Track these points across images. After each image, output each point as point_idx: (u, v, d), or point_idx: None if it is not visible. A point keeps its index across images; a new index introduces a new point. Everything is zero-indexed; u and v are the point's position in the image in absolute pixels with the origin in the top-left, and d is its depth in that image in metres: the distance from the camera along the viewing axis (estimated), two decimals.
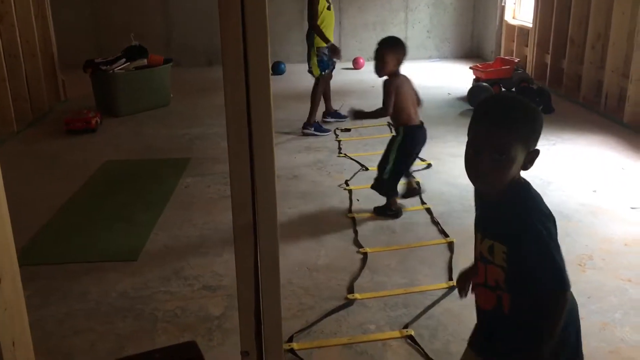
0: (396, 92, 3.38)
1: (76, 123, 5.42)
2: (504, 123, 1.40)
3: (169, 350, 1.17)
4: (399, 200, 3.62)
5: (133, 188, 4.14)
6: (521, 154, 1.41)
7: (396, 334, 2.42)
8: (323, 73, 5.37)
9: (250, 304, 1.43)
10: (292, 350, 2.31)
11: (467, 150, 1.44)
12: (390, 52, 3.41)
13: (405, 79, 3.47)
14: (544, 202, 1.45)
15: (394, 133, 3.64)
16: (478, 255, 1.55)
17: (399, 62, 3.43)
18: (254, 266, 1.41)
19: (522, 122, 1.42)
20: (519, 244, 1.40)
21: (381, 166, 3.50)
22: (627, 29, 5.44)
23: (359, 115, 3.64)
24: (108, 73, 5.94)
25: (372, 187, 3.56)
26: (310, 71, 5.42)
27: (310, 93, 5.44)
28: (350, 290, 2.75)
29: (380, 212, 3.53)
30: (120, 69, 6.03)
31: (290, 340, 2.37)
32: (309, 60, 5.37)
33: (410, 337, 2.38)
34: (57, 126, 5.56)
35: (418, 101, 3.52)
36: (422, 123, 3.51)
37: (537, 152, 1.46)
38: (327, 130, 5.38)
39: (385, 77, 3.44)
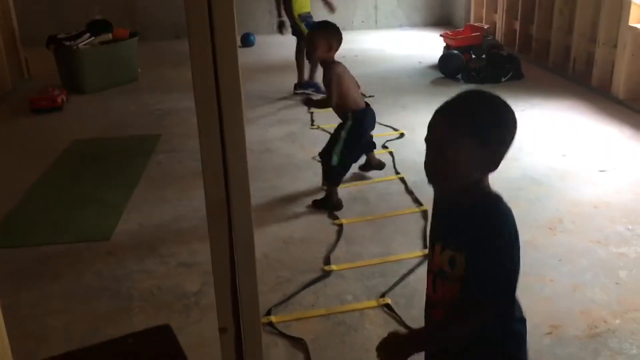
0: (338, 80, 3.29)
1: (41, 102, 5.28)
2: (453, 115, 1.31)
3: (142, 335, 1.16)
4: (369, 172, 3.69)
5: (103, 167, 4.07)
6: (474, 153, 1.28)
7: (373, 303, 2.44)
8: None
9: (226, 280, 1.42)
10: (270, 324, 2.32)
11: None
12: (319, 36, 3.36)
13: (342, 66, 3.40)
14: (513, 220, 1.36)
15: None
16: (435, 271, 1.39)
17: (331, 48, 3.34)
18: (228, 242, 1.40)
19: (478, 117, 1.29)
20: (478, 252, 1.29)
21: (326, 154, 3.34)
22: None
23: (309, 102, 3.82)
24: (72, 49, 5.78)
25: (323, 178, 3.44)
26: (296, 33, 5.55)
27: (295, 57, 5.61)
28: (327, 261, 2.76)
29: (319, 205, 3.31)
30: (84, 45, 5.86)
31: (269, 313, 2.38)
32: (295, 27, 5.50)
33: (387, 306, 2.41)
34: (21, 105, 5.41)
35: (358, 85, 3.50)
36: (368, 105, 3.48)
37: (500, 153, 1.31)
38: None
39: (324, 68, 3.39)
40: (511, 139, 1.32)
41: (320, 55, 3.38)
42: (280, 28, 5.65)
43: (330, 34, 3.36)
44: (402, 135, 4.41)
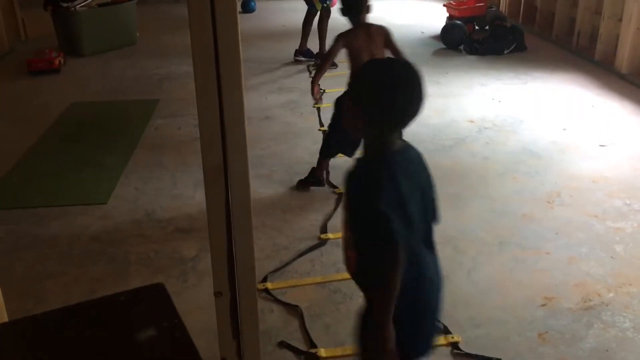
0: (349, 47, 3.02)
1: (39, 64, 5.22)
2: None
3: (134, 293, 1.16)
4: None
5: (101, 130, 4.05)
6: (350, 110, 1.38)
7: None
8: (325, 5, 5.38)
9: (223, 245, 1.42)
10: (266, 290, 2.33)
11: None
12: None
13: (363, 32, 3.03)
14: (379, 183, 1.34)
15: None
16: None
17: (346, 10, 3.08)
18: (225, 207, 1.40)
19: (355, 79, 1.44)
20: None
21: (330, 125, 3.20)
22: None
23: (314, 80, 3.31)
24: (70, 11, 5.69)
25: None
26: (310, 3, 5.46)
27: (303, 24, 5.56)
28: (324, 230, 2.76)
29: (302, 185, 3.19)
30: (82, 7, 5.77)
31: (265, 280, 2.39)
32: None
33: None
34: (18, 67, 5.35)
35: (395, 52, 3.10)
36: None
37: (375, 114, 1.34)
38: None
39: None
40: (394, 101, 1.33)
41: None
42: None
43: None
44: None
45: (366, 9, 3.09)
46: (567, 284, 2.37)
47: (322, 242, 2.67)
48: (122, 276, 2.44)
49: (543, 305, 2.25)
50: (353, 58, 3.05)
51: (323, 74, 3.19)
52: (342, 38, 3.05)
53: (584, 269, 2.47)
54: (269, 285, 2.36)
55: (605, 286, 2.35)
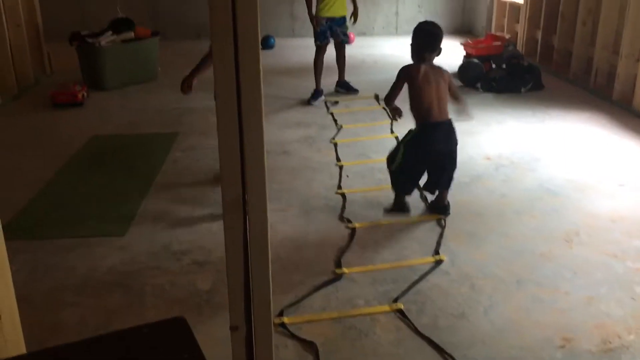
0: (410, 83, 3.08)
1: (62, 96, 5.34)
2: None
3: (157, 326, 1.16)
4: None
5: (121, 163, 4.11)
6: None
7: (385, 308, 2.43)
8: (318, 43, 5.48)
9: (240, 279, 1.43)
10: (282, 325, 2.32)
11: None
12: (412, 41, 3.14)
13: (429, 70, 3.08)
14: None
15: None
16: None
17: (419, 51, 3.09)
18: (243, 241, 1.41)
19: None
20: None
21: (390, 158, 3.25)
22: (618, 3, 5.42)
23: (387, 103, 3.30)
24: (95, 46, 5.85)
25: (391, 183, 3.31)
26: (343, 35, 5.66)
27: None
28: (338, 265, 2.76)
29: (388, 211, 3.28)
30: (107, 42, 5.93)
31: (281, 314, 2.38)
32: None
33: (400, 311, 2.40)
34: (43, 99, 5.48)
35: (454, 96, 3.18)
36: (446, 121, 3.11)
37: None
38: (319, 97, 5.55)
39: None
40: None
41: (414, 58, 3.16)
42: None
43: (417, 37, 3.13)
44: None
45: (439, 51, 3.11)
46: (586, 325, 2.33)
47: (337, 277, 2.66)
48: (138, 308, 2.45)
49: (562, 346, 2.21)
50: (418, 97, 3.06)
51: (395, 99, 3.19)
52: (407, 73, 3.09)
53: (603, 309, 2.43)
54: (285, 319, 2.35)
55: (625, 328, 2.31)
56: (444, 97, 3.08)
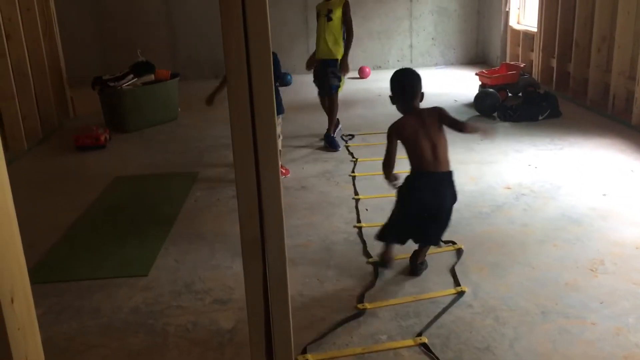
0: (401, 139, 2.88)
1: (85, 140, 5.46)
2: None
3: None
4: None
5: (143, 203, 4.17)
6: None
7: (409, 342, 2.41)
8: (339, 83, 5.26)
9: (260, 318, 1.43)
10: None
11: None
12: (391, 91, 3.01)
13: (416, 120, 2.87)
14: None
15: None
16: None
17: (400, 102, 2.95)
18: (262, 279, 1.42)
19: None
20: None
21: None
22: (632, 29, 5.43)
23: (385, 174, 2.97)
24: (116, 90, 6.00)
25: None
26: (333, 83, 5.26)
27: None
28: (360, 300, 2.74)
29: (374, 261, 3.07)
30: (128, 85, 6.08)
31: (305, 351, 2.37)
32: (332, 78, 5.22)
33: (424, 345, 2.38)
34: (66, 143, 5.61)
35: (456, 127, 2.88)
36: (441, 173, 2.82)
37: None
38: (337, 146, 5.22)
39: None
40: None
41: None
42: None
43: (392, 84, 3.00)
44: None
45: (420, 95, 2.94)
46: (615, 356, 2.27)
47: (360, 313, 2.64)
48: (161, 348, 2.46)
49: None
50: (411, 149, 2.86)
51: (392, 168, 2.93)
52: (395, 131, 2.88)
53: (632, 340, 2.37)
54: (309, 357, 2.33)
55: None
56: (438, 144, 2.82)
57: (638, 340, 2.37)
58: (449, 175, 2.85)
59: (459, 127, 2.90)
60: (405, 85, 2.94)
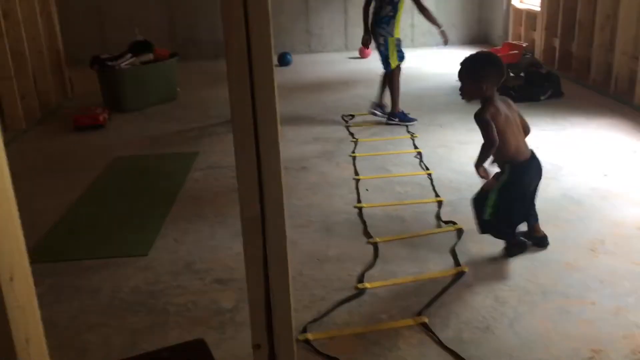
0: (494, 121, 2.74)
1: (84, 120, 5.43)
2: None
3: (177, 349, 1.17)
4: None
5: (143, 183, 4.16)
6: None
7: (409, 321, 2.41)
8: (400, 63, 5.24)
9: (261, 297, 1.43)
10: (306, 341, 2.31)
11: None
12: (471, 75, 2.81)
13: (502, 104, 2.82)
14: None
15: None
16: None
17: (485, 86, 2.76)
18: (263, 259, 1.41)
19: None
20: None
21: (478, 203, 2.91)
22: (636, 8, 5.37)
23: (479, 165, 2.86)
24: (115, 69, 5.95)
25: (477, 226, 2.94)
26: (386, 61, 5.21)
27: (389, 84, 5.27)
28: (360, 279, 2.75)
29: (506, 253, 2.92)
30: (126, 65, 6.03)
31: (304, 331, 2.37)
32: (384, 50, 5.19)
33: (424, 325, 2.38)
34: (65, 123, 5.58)
35: (525, 129, 2.91)
36: (533, 154, 2.88)
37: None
38: (413, 119, 5.21)
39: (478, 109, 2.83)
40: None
41: (474, 96, 2.87)
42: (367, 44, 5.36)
43: (485, 71, 2.81)
44: (429, 175, 4.03)
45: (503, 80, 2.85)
46: (614, 336, 2.28)
47: (360, 292, 2.65)
48: (162, 327, 2.46)
49: (590, 358, 2.16)
50: (500, 139, 2.74)
51: (483, 158, 2.82)
52: (491, 118, 2.73)
53: (632, 319, 2.38)
54: (309, 336, 2.34)
55: None
56: (522, 131, 2.86)
57: (637, 319, 2.37)
58: (535, 153, 2.93)
59: (527, 129, 2.95)
60: (492, 65, 2.83)
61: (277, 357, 1.47)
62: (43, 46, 5.96)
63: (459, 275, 2.74)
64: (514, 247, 2.93)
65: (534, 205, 2.99)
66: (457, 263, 2.85)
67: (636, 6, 5.37)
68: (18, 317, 1.30)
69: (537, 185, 2.94)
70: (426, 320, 2.40)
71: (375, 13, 5.21)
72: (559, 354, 2.19)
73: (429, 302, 2.53)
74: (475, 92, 2.82)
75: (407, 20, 9.00)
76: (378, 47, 5.26)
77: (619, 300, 2.51)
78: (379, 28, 5.18)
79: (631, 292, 2.56)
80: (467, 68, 2.83)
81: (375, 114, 5.40)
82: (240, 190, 1.36)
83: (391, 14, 5.15)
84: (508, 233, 2.93)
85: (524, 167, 2.84)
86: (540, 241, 2.98)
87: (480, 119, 2.76)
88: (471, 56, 2.89)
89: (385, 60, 5.21)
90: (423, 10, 5.26)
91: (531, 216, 2.99)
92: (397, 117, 5.23)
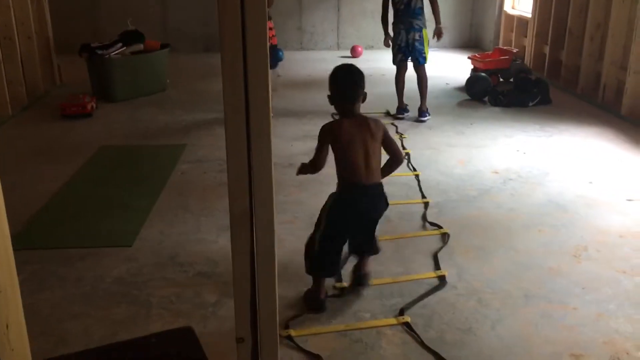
0: (333, 143, 2.54)
1: (72, 108, 5.38)
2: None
3: (165, 335, 1.17)
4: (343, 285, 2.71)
5: (129, 174, 4.13)
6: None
7: (392, 321, 2.42)
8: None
9: (246, 291, 1.43)
10: (289, 337, 2.31)
11: None
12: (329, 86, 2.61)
13: (354, 125, 2.52)
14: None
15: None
16: None
17: (332, 100, 2.61)
18: (249, 253, 1.41)
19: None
20: None
21: (316, 227, 2.59)
22: (626, 19, 5.43)
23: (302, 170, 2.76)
24: (104, 58, 5.90)
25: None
26: (421, 57, 5.24)
27: (421, 79, 5.33)
28: (339, 279, 2.74)
29: (305, 301, 2.56)
30: (116, 54, 5.98)
31: (287, 327, 2.37)
32: (420, 43, 5.20)
33: (407, 324, 2.39)
34: (52, 110, 5.52)
35: (394, 156, 2.62)
36: (375, 185, 2.53)
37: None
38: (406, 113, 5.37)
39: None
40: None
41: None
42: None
43: (330, 84, 2.61)
44: (417, 177, 4.00)
45: (362, 97, 2.58)
46: (595, 341, 2.30)
47: (342, 291, 2.65)
48: (144, 319, 2.45)
49: None
50: (342, 157, 2.52)
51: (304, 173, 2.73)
52: (329, 133, 2.55)
53: (612, 325, 2.40)
54: (292, 332, 2.34)
55: (634, 344, 2.28)
56: (373, 155, 2.50)
57: (618, 326, 2.40)
58: (381, 186, 2.57)
59: (394, 156, 2.64)
60: (346, 85, 2.56)
61: (260, 351, 1.47)
62: (32, 32, 5.89)
63: (440, 279, 2.75)
64: (311, 299, 2.54)
65: (367, 239, 2.67)
66: (437, 267, 2.85)
67: (626, 16, 5.42)
68: (0, 303, 1.28)
69: (374, 220, 2.62)
70: (409, 319, 2.41)
71: (406, 5, 5.13)
72: (539, 358, 2.21)
73: (411, 302, 2.54)
74: (335, 107, 2.63)
75: None
76: (407, 42, 5.21)
77: (600, 306, 2.53)
78: (416, 19, 5.14)
79: (612, 299, 2.59)
80: (329, 86, 2.62)
81: (402, 119, 5.35)
82: (230, 185, 1.36)
83: (421, 4, 5.15)
84: (323, 269, 2.56)
85: (357, 190, 2.50)
86: (361, 279, 2.67)
87: (320, 132, 2.58)
88: (338, 66, 2.67)
89: (421, 54, 5.23)
90: (433, 2, 5.27)
91: (363, 249, 2.69)
92: (429, 113, 5.30)
